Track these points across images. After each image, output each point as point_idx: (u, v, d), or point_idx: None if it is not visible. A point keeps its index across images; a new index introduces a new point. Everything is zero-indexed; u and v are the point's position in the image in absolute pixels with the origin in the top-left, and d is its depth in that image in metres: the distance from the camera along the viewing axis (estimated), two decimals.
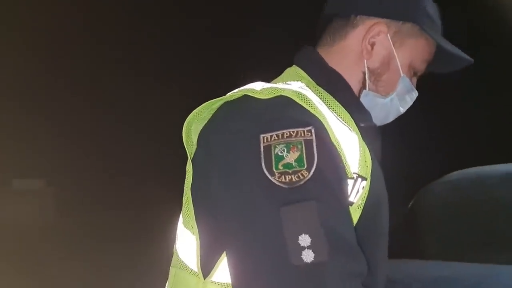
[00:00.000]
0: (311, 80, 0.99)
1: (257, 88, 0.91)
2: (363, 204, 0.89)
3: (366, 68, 1.01)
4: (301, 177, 0.82)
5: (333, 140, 0.87)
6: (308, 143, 0.83)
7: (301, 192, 0.82)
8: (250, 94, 0.89)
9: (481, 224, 2.62)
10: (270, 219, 0.82)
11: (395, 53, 1.00)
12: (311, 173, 0.82)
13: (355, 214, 0.89)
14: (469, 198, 2.75)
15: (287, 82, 0.96)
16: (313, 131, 0.84)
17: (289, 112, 0.86)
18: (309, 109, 0.87)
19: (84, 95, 12.23)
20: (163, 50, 12.61)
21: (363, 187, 0.90)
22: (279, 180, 0.82)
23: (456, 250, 2.56)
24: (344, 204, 0.86)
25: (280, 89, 0.89)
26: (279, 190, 0.82)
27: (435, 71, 1.10)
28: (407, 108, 1.07)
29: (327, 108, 0.93)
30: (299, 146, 0.83)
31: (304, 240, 0.80)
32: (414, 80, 1.06)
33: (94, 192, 10.94)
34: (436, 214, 2.79)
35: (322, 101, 0.94)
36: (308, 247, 0.79)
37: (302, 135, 0.84)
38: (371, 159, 0.92)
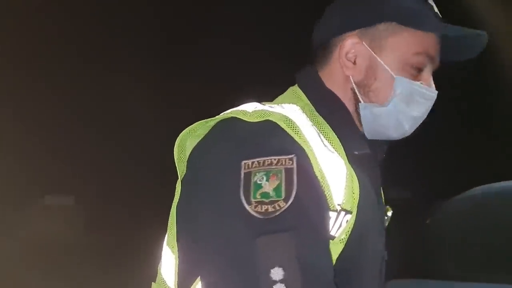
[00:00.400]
0: (308, 102, 0.97)
1: (249, 109, 0.90)
2: (346, 239, 0.87)
3: (353, 84, 0.98)
4: (277, 207, 0.80)
5: (316, 170, 0.85)
6: (289, 172, 0.82)
7: (277, 223, 0.80)
8: (239, 117, 0.88)
9: (505, 242, 2.48)
10: (244, 249, 0.80)
11: (377, 58, 0.96)
12: (289, 203, 0.80)
13: (336, 248, 0.86)
14: (491, 214, 2.62)
15: (282, 104, 0.95)
16: (294, 159, 0.82)
17: (272, 139, 0.85)
18: (294, 136, 0.85)
19: (113, 116, 12.47)
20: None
21: (347, 220, 0.87)
22: (256, 209, 0.80)
23: (477, 270, 2.44)
24: (322, 236, 0.84)
25: (270, 113, 0.88)
26: (255, 220, 0.80)
27: (459, 59, 1.03)
28: (425, 110, 0.99)
29: (318, 135, 0.90)
30: (279, 175, 0.82)
31: (277, 273, 0.77)
32: (425, 77, 0.98)
33: (122, 209, 11.09)
34: (456, 231, 2.67)
35: (316, 126, 0.92)
36: (281, 281, 0.77)
37: (284, 163, 0.82)
38: (361, 188, 0.89)
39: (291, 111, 0.91)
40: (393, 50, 0.96)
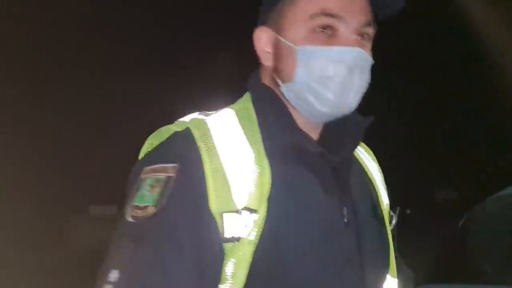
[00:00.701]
0: (248, 102, 0.98)
1: (187, 119, 0.94)
2: (256, 240, 0.84)
3: (271, 71, 0.98)
4: (145, 213, 0.84)
5: (210, 176, 0.84)
6: (168, 180, 0.85)
7: (138, 228, 0.84)
8: (173, 127, 0.93)
9: None
10: (111, 249, 0.86)
11: (279, 37, 0.95)
12: (156, 210, 0.83)
13: (246, 250, 0.84)
14: None
15: (223, 109, 0.97)
16: (177, 168, 0.85)
17: (172, 147, 0.89)
18: (198, 143, 0.87)
19: (153, 127, 12.70)
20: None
21: (254, 220, 0.85)
22: (131, 213, 0.85)
23: None
24: (182, 248, 0.82)
25: (195, 121, 0.92)
26: (127, 223, 0.85)
27: (391, 10, 0.98)
28: (346, 72, 0.91)
29: (237, 137, 0.91)
30: (160, 182, 0.85)
31: (113, 275, 0.82)
32: (343, 38, 0.91)
33: None
34: (491, 233, 2.58)
35: (245, 126, 0.92)
36: (112, 284, 0.81)
37: (167, 171, 0.86)
38: (278, 187, 0.87)
39: (217, 116, 0.93)
40: (292, 23, 0.93)
